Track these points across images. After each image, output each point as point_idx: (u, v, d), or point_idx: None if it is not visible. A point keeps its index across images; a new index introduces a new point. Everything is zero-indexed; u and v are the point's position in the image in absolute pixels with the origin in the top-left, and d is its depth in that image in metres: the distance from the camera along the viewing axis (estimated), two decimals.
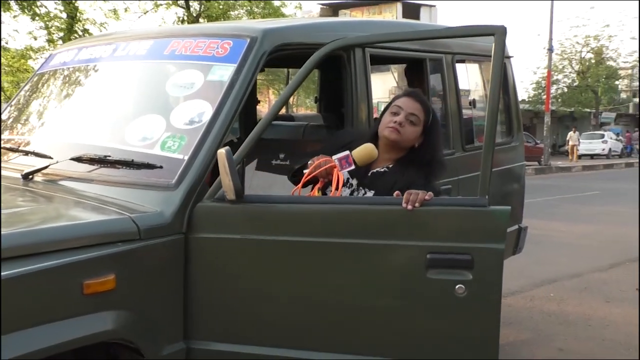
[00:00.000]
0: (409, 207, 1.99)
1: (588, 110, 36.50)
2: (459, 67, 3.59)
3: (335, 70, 2.84)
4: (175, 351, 2.09)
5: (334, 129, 3.43)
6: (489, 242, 1.97)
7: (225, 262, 2.14)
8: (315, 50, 2.27)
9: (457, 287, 1.97)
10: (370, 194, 2.34)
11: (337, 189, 2.20)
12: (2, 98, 19.21)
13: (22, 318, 1.72)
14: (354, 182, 2.37)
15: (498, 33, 2.07)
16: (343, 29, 2.83)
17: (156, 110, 2.46)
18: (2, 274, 1.66)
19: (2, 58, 19.64)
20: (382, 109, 2.61)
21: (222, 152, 1.95)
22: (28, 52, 18.67)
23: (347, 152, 2.23)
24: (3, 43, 18.44)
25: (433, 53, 3.26)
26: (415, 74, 3.59)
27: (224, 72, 2.35)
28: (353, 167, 2.23)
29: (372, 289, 2.07)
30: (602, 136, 31.07)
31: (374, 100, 2.97)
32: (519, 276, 5.65)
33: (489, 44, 3.73)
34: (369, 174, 2.38)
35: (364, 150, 2.26)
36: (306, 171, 2.25)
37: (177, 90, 2.45)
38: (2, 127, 2.98)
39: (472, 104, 4.01)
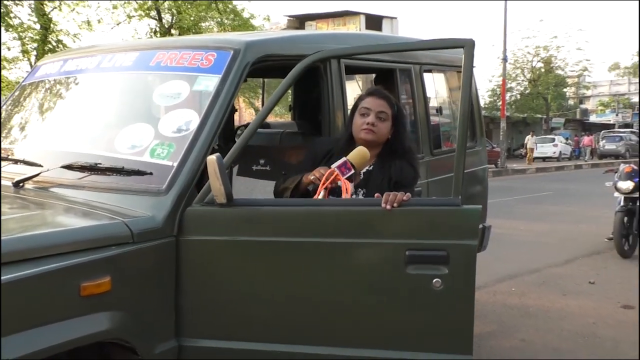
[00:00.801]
0: (388, 207, 2.03)
1: (539, 115, 37.23)
2: (426, 76, 3.66)
3: (309, 80, 2.87)
4: (167, 349, 2.09)
5: (308, 135, 3.47)
6: (462, 239, 2.02)
7: (215, 262, 2.15)
8: (295, 61, 2.30)
9: (434, 281, 2.01)
10: (361, 193, 2.39)
11: (347, 192, 2.24)
12: None
13: (22, 320, 1.71)
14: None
15: (467, 46, 2.13)
16: (321, 41, 2.88)
17: (144, 119, 2.46)
18: (2, 278, 1.65)
19: None
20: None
21: (212, 158, 1.97)
22: (2, 63, 18.23)
23: (344, 159, 2.26)
24: None
25: (403, 64, 3.32)
26: (386, 83, 3.65)
27: (209, 83, 2.36)
28: (353, 171, 2.26)
29: (355, 285, 2.10)
30: (553, 140, 31.75)
31: None
32: (483, 272, 5.70)
33: (452, 55, 3.85)
34: (362, 175, 2.43)
35: (359, 153, 2.29)
36: (306, 180, 2.31)
37: (164, 100, 2.45)
38: None
39: (439, 111, 4.08)
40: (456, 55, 3.90)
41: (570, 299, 5.33)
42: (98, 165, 2.29)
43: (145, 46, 2.74)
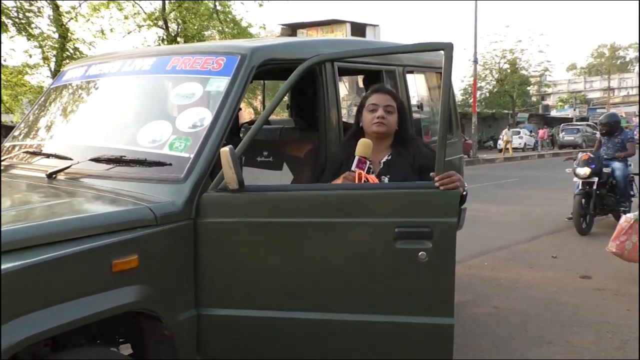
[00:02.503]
0: (442, 188, 2.07)
1: (506, 111, 37.36)
2: (409, 77, 3.69)
3: (304, 81, 2.89)
4: (188, 317, 2.11)
5: (305, 130, 3.50)
6: (444, 217, 2.07)
7: (228, 241, 2.18)
8: (294, 64, 2.33)
9: (419, 254, 2.06)
10: (386, 179, 2.44)
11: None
12: (2, 110, 18.57)
13: (65, 292, 1.74)
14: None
15: (447, 49, 2.15)
16: (318, 46, 2.89)
17: (163, 116, 2.46)
18: (47, 256, 1.69)
19: (1, 74, 19.00)
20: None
21: (225, 149, 1.99)
22: (25, 69, 18.06)
23: (356, 158, 2.33)
24: (2, 61, 17.85)
25: (388, 65, 3.34)
26: (373, 83, 3.67)
27: (220, 84, 2.37)
28: (368, 162, 2.33)
29: (351, 259, 2.15)
30: (519, 132, 31.87)
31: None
32: (458, 249, 5.61)
33: (432, 57, 3.88)
34: (381, 164, 2.49)
35: (362, 145, 2.35)
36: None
37: (180, 99, 2.45)
38: (23, 135, 2.94)
39: (420, 107, 4.11)
40: (435, 57, 3.94)
41: (536, 271, 5.42)
42: (123, 157, 2.29)
43: (162, 52, 2.75)
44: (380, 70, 3.31)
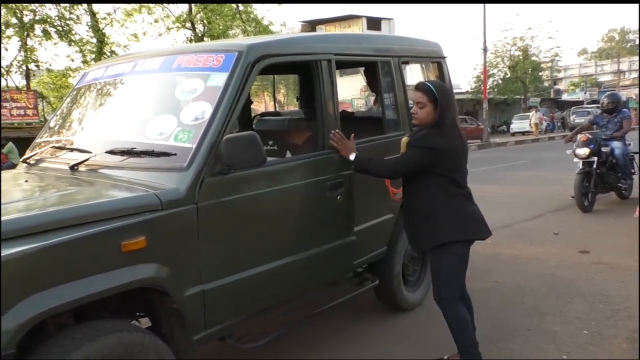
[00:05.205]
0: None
1: (518, 96, 36.58)
2: (405, 67, 3.68)
3: (310, 74, 2.93)
4: (194, 293, 2.18)
5: (311, 120, 3.53)
6: (346, 170, 2.89)
7: (224, 218, 2.30)
8: (288, 57, 2.39)
9: (338, 197, 2.87)
10: None
11: None
12: (46, 110, 19.06)
13: (80, 270, 1.83)
14: None
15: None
16: (308, 42, 2.92)
17: (169, 111, 2.51)
18: (65, 237, 1.79)
19: (48, 77, 19.49)
20: (356, 105, 3.12)
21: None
22: (67, 72, 18.49)
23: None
24: (47, 65, 18.29)
25: (382, 57, 3.33)
26: (371, 73, 3.68)
27: (219, 79, 2.41)
28: None
29: (304, 210, 2.76)
30: (529, 117, 31.24)
31: (349, 98, 3.15)
32: None
33: (427, 48, 3.85)
34: None
35: (404, 144, 2.73)
36: None
37: (184, 94, 2.50)
38: (52, 132, 3.03)
39: None
40: (430, 48, 3.91)
41: (537, 247, 5.36)
42: (134, 149, 2.36)
43: (169, 52, 2.79)
44: (375, 61, 3.31)
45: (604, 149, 6.96)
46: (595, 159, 6.83)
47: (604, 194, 7.39)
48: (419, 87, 2.65)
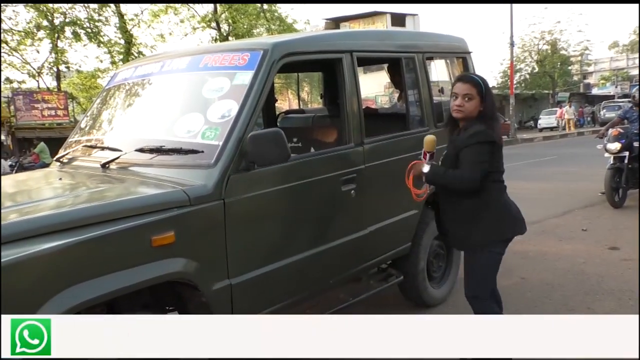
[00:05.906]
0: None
1: (546, 91, 35.84)
2: (430, 63, 3.66)
3: (334, 72, 2.95)
4: (222, 287, 2.23)
5: (335, 117, 3.55)
6: (360, 165, 2.90)
7: (250, 213, 2.35)
8: (311, 55, 2.39)
9: (352, 192, 2.83)
10: None
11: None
12: (76, 111, 19.51)
13: (114, 264, 1.89)
14: None
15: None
16: (331, 39, 2.94)
17: (196, 109, 2.55)
18: (99, 232, 1.85)
19: (77, 78, 19.94)
20: (380, 102, 3.07)
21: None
22: (97, 73, 18.88)
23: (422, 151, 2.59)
24: (76, 67, 18.71)
25: (407, 53, 3.33)
26: (395, 70, 3.68)
27: (245, 77, 2.44)
28: (428, 155, 2.54)
29: (322, 203, 2.78)
30: (555, 112, 30.59)
31: (373, 95, 3.16)
32: None
33: (451, 43, 3.83)
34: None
35: (426, 141, 2.55)
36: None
37: (211, 93, 2.54)
38: (83, 131, 3.12)
39: (441, 91, 4.07)
40: (454, 43, 3.89)
41: (565, 243, 5.27)
42: (162, 147, 2.41)
43: (195, 52, 2.85)
44: (399, 58, 3.30)
45: (635, 144, 6.79)
46: (627, 153, 6.68)
47: (635, 189, 7.21)
48: (466, 79, 2.53)
